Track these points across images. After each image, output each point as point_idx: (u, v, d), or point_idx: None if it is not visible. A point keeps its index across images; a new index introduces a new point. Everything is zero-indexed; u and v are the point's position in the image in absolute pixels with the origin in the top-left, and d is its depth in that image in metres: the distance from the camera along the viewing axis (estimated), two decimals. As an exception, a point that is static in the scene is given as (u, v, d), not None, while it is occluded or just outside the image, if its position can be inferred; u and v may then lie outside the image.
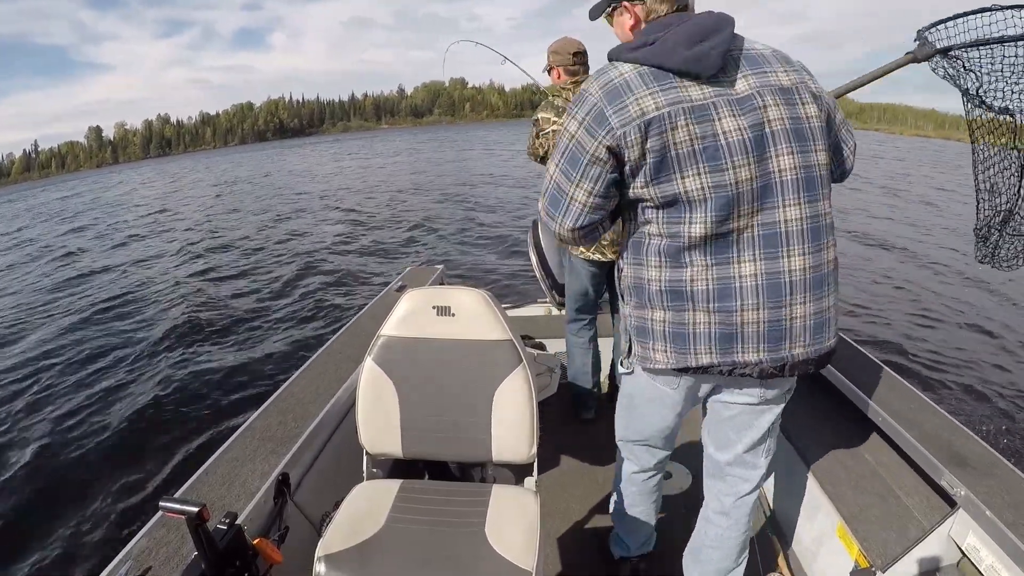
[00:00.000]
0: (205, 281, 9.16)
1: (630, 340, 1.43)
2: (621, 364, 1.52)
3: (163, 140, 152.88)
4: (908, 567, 1.52)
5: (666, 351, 1.32)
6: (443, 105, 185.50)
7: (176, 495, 1.41)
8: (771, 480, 2.26)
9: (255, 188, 24.06)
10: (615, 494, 1.83)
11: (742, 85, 1.21)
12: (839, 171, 1.43)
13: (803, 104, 1.23)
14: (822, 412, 2.11)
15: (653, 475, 1.73)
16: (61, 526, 3.55)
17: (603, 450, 2.57)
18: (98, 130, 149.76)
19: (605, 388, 3.01)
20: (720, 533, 1.65)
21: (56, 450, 4.41)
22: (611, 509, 1.87)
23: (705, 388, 1.44)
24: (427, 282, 3.10)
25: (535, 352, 2.91)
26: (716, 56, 1.17)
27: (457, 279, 7.29)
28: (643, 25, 1.30)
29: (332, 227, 13.14)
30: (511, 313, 1.60)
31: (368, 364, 1.53)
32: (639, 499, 1.77)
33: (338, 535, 1.34)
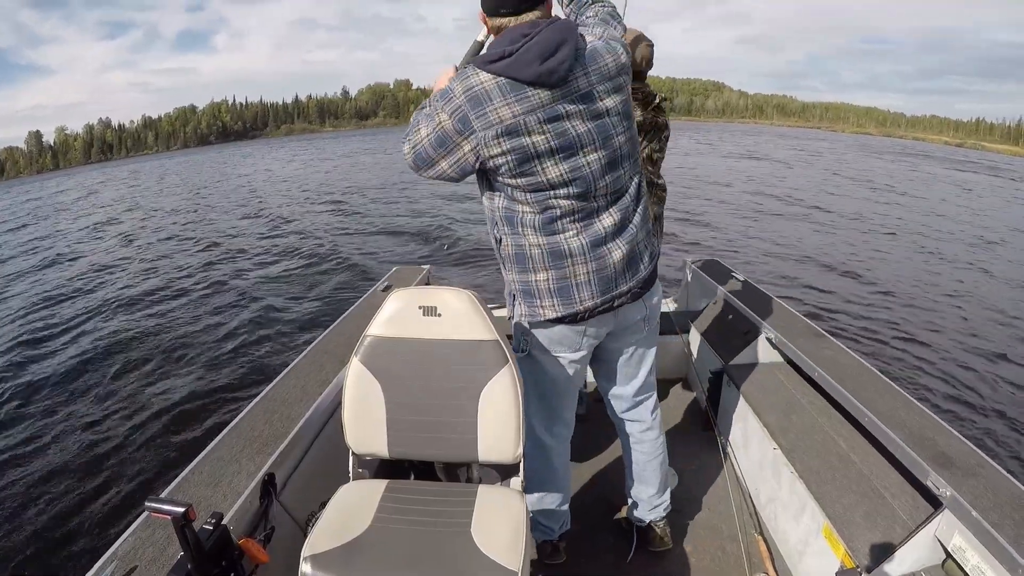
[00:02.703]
0: (188, 281, 9.08)
1: (513, 301, 1.65)
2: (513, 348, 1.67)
3: (104, 144, 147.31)
4: (893, 568, 1.53)
5: (554, 305, 1.55)
6: (388, 107, 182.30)
7: (162, 495, 1.41)
8: (757, 481, 2.28)
9: (218, 192, 23.44)
10: (531, 486, 1.90)
11: (583, 82, 1.40)
12: None
13: (624, 87, 1.48)
14: (807, 412, 2.14)
15: (565, 452, 1.91)
16: (46, 526, 3.51)
17: (590, 448, 2.59)
18: (38, 135, 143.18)
19: (593, 387, 3.02)
20: (652, 446, 1.97)
21: (41, 451, 4.37)
22: (529, 501, 1.92)
23: (594, 340, 1.68)
24: (413, 282, 3.09)
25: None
26: (565, 68, 1.36)
27: (443, 279, 7.29)
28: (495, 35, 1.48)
29: (314, 228, 13.04)
30: (497, 313, 1.61)
31: (354, 364, 1.53)
32: (560, 481, 1.91)
33: (324, 535, 1.34)
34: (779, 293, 3.16)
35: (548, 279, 1.53)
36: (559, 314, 1.55)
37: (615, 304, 1.58)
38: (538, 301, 1.56)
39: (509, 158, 1.39)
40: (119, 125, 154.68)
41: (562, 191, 1.45)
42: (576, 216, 1.48)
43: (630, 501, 2.07)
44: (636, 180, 1.58)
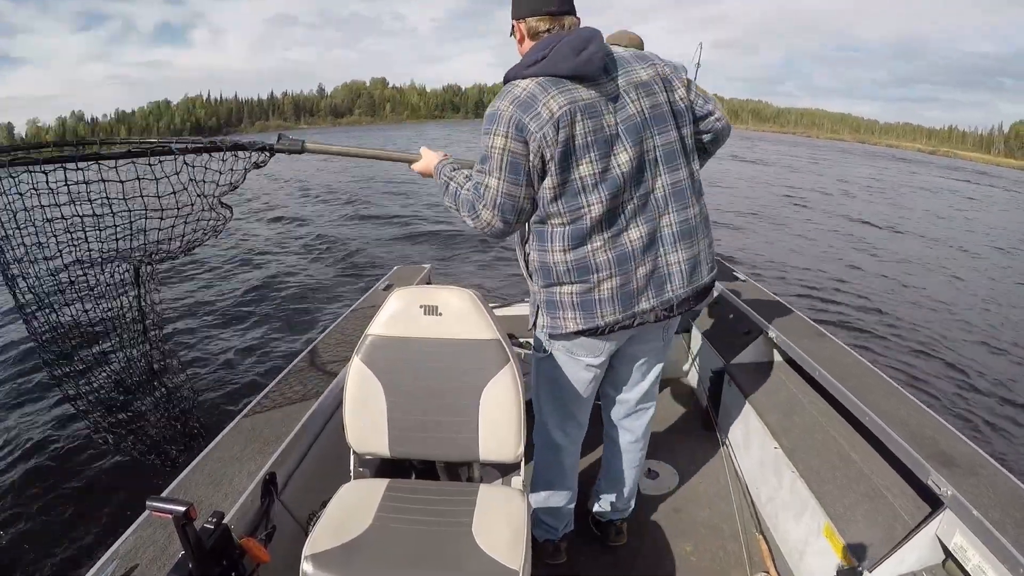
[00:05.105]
0: (186, 281, 9.06)
1: (536, 312, 1.64)
2: (534, 348, 1.75)
3: (76, 138, 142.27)
4: (894, 567, 1.53)
5: (576, 318, 1.54)
6: (363, 105, 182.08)
7: (163, 494, 1.42)
8: (758, 480, 2.29)
9: None
10: (538, 483, 1.94)
11: (614, 85, 1.47)
12: (711, 134, 1.69)
13: (659, 92, 1.51)
14: (808, 412, 2.14)
15: (575, 452, 1.91)
16: (46, 525, 3.51)
17: (591, 448, 2.59)
18: (9, 127, 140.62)
19: None
20: (634, 456, 1.98)
21: (41, 448, 4.36)
22: (533, 500, 1.93)
23: (615, 346, 1.67)
24: (414, 281, 3.09)
25: (522, 351, 2.92)
26: (598, 60, 1.42)
27: (444, 278, 7.28)
28: (527, 40, 1.52)
29: (311, 226, 12.96)
30: (498, 312, 1.62)
31: (355, 363, 1.53)
32: (566, 480, 1.92)
33: (325, 534, 1.34)
34: (779, 292, 3.16)
35: (572, 292, 1.52)
36: (580, 327, 1.54)
37: (635, 323, 1.56)
38: (560, 313, 1.55)
39: (557, 151, 1.40)
40: (92, 119, 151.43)
41: (593, 196, 1.44)
42: (604, 227, 1.47)
43: (599, 498, 2.09)
44: (667, 192, 1.52)
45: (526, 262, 1.62)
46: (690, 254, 1.56)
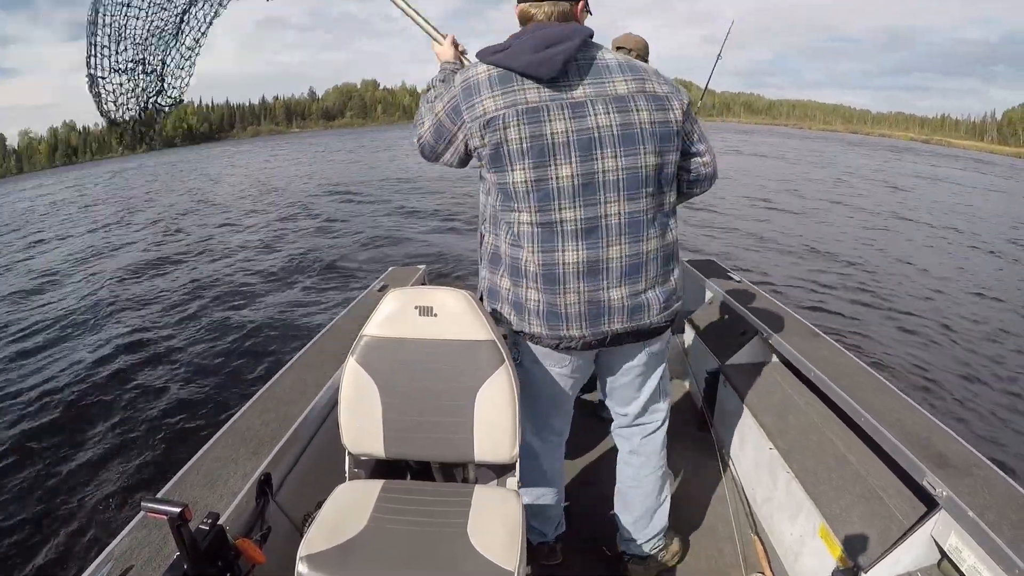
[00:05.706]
0: (181, 282, 9.04)
1: (481, 297, 1.61)
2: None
3: (69, 148, 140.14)
4: (889, 568, 1.53)
5: (509, 314, 1.54)
6: (355, 107, 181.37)
7: (158, 495, 1.41)
8: (753, 481, 2.29)
9: (197, 194, 22.38)
10: (524, 488, 1.88)
11: (579, 92, 1.36)
12: (692, 174, 1.55)
13: (636, 111, 1.37)
14: (804, 413, 2.14)
15: (556, 456, 1.89)
16: (41, 527, 3.50)
17: (586, 448, 2.59)
18: (1, 138, 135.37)
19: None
20: (634, 472, 1.87)
21: (37, 450, 4.36)
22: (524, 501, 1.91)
23: (580, 358, 1.61)
24: (409, 282, 3.09)
25: None
26: (558, 62, 1.32)
27: (439, 279, 7.28)
28: (520, 25, 1.46)
29: (306, 228, 12.98)
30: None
31: (350, 364, 1.53)
32: (552, 485, 1.90)
33: (320, 535, 1.34)
34: (774, 292, 3.17)
35: (508, 288, 1.52)
36: (512, 326, 1.55)
37: (560, 345, 1.52)
38: (499, 304, 1.56)
39: (486, 151, 1.39)
40: (84, 128, 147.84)
41: (523, 203, 1.38)
42: (536, 236, 1.40)
43: (617, 527, 1.99)
44: (621, 221, 1.40)
45: (480, 244, 1.61)
46: (634, 291, 1.45)
